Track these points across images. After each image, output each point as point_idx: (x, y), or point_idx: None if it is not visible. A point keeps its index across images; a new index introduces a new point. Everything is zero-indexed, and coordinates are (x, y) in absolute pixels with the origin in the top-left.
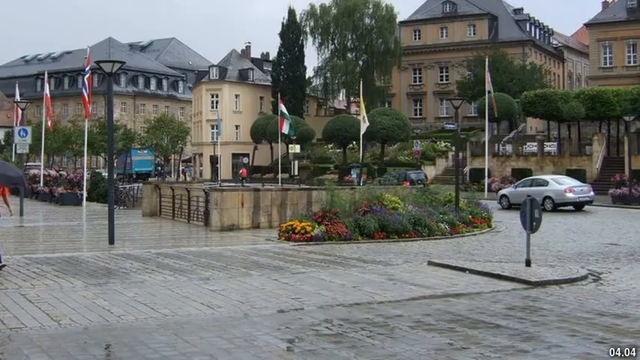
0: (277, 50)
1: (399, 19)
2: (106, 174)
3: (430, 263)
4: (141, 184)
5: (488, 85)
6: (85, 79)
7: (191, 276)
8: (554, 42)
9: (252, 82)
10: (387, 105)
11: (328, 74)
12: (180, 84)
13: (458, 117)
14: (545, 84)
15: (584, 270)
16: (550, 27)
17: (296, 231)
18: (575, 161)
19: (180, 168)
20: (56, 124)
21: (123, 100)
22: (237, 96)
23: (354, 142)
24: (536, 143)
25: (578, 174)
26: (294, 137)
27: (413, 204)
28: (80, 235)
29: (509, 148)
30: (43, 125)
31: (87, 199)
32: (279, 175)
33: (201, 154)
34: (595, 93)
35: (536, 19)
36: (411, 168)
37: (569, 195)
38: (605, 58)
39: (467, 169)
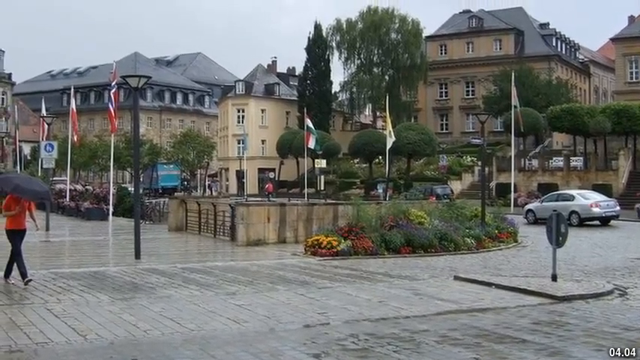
0: (303, 65)
1: (425, 33)
2: (132, 189)
3: (456, 278)
4: (167, 199)
5: (515, 100)
6: (111, 94)
7: (217, 291)
8: (580, 57)
9: (279, 96)
10: (413, 120)
11: (354, 89)
12: (207, 99)
13: (484, 132)
14: (571, 99)
15: (610, 285)
16: (576, 42)
17: (322, 246)
18: (601, 176)
19: (207, 183)
20: (82, 139)
21: (149, 115)
22: (263, 111)
23: (380, 157)
24: (562, 158)
25: (604, 189)
26: (320, 152)
27: (439, 219)
28: (106, 250)
29: (535, 162)
30: (69, 140)
31: (113, 214)
32: (305, 189)
33: (227, 169)
34: (621, 108)
35: (562, 33)
36: (437, 183)
37: (595, 210)
38: (632, 73)
39: (493, 184)
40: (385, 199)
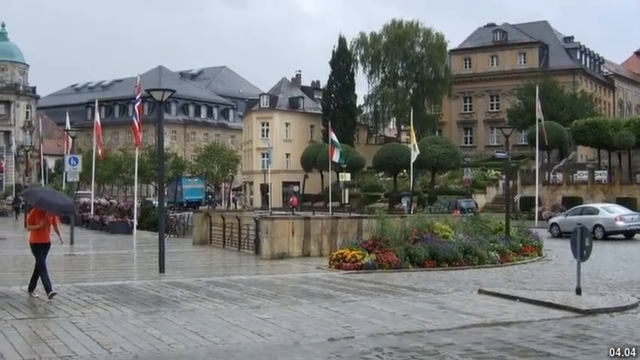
0: (328, 78)
1: (449, 47)
2: (157, 202)
3: (480, 291)
4: (191, 213)
5: (539, 114)
6: (136, 108)
7: (242, 304)
8: (605, 70)
9: (303, 110)
10: (437, 133)
11: (379, 102)
12: (231, 112)
13: (508, 145)
14: (595, 112)
15: (634, 298)
16: (600, 55)
17: (346, 259)
18: (625, 189)
19: (231, 196)
20: (107, 153)
21: (173, 129)
22: (287, 124)
23: (405, 171)
24: (586, 171)
25: (628, 202)
26: (345, 165)
27: (463, 232)
28: (130, 264)
29: (559, 176)
30: (94, 153)
31: (137, 228)
32: (330, 203)
33: (251, 183)
34: None
35: (586, 47)
36: (461, 196)
37: (620, 223)
38: None
39: (517, 198)
40: (409, 213)
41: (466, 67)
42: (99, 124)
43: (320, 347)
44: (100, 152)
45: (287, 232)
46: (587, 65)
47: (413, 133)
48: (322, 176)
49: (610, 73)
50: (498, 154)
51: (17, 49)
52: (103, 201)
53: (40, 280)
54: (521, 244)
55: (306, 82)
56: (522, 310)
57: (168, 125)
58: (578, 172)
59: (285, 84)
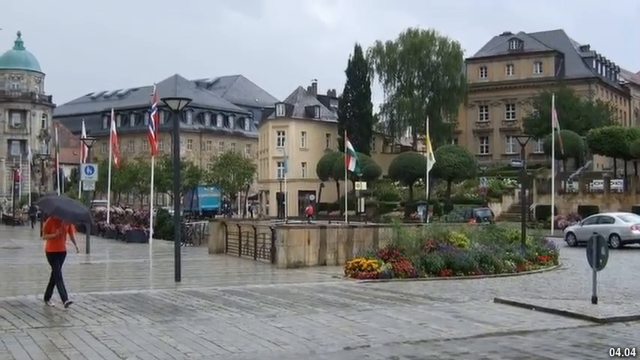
0: (344, 87)
1: (465, 56)
2: (173, 211)
3: (496, 300)
4: (207, 222)
5: (555, 123)
6: (152, 116)
7: (257, 313)
8: (621, 79)
9: (319, 119)
10: (453, 142)
11: (394, 111)
12: (247, 121)
13: (524, 154)
14: (611, 121)
15: None
16: (616, 64)
17: (362, 268)
18: None
19: (247, 205)
20: (122, 162)
21: (189, 138)
22: (303, 133)
23: (421, 180)
24: (602, 180)
25: None
26: (361, 174)
27: (479, 241)
28: (146, 273)
29: (575, 185)
30: (110, 162)
31: (153, 237)
32: (346, 212)
33: (267, 192)
34: None
35: (602, 56)
36: (477, 205)
37: (636, 232)
38: None
39: (533, 206)
40: (425, 222)
41: (482, 75)
42: (115, 132)
43: (336, 356)
44: (116, 161)
45: (303, 240)
46: (603, 74)
47: (429, 142)
48: (338, 185)
49: (626, 82)
50: (514, 162)
51: (33, 57)
52: (119, 210)
53: (56, 289)
54: (537, 253)
55: (322, 90)
56: (538, 319)
57: (184, 134)
58: (594, 180)
59: (301, 93)
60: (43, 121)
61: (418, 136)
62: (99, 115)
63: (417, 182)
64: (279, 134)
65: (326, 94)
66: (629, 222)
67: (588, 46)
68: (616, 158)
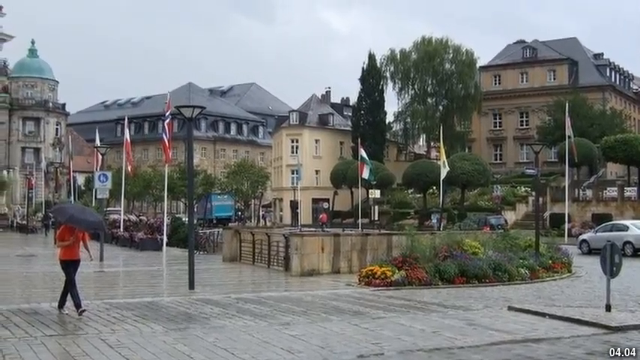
0: (357, 95)
1: (479, 64)
2: (186, 219)
3: (510, 308)
4: (221, 229)
5: (569, 130)
6: (165, 124)
7: (271, 321)
8: (634, 87)
9: (333, 127)
10: (467, 150)
11: (408, 119)
12: (261, 129)
13: (538, 162)
14: (625, 129)
15: None
16: (630, 72)
17: (376, 276)
18: None
19: (261, 213)
20: (136, 169)
21: (203, 145)
22: (317, 141)
23: (434, 187)
24: (616, 188)
25: None
26: (374, 182)
27: (493, 249)
28: (160, 280)
29: (589, 193)
30: (123, 170)
31: (167, 245)
32: (359, 220)
33: (281, 199)
34: None
35: (616, 64)
36: (491, 213)
37: None
38: None
39: (547, 214)
40: (439, 230)
41: (496, 83)
42: (128, 140)
43: None
44: (129, 169)
45: (317, 248)
46: (617, 82)
47: (442, 150)
48: (352, 193)
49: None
50: (528, 170)
51: (47, 65)
52: (133, 218)
53: (69, 297)
54: (550, 261)
55: (335, 98)
56: (552, 327)
57: (198, 142)
58: (608, 188)
59: (315, 100)
60: (56, 129)
61: (432, 143)
62: (113, 123)
63: (431, 190)
64: (292, 142)
65: (340, 101)
66: None
67: (602, 53)
68: (630, 166)
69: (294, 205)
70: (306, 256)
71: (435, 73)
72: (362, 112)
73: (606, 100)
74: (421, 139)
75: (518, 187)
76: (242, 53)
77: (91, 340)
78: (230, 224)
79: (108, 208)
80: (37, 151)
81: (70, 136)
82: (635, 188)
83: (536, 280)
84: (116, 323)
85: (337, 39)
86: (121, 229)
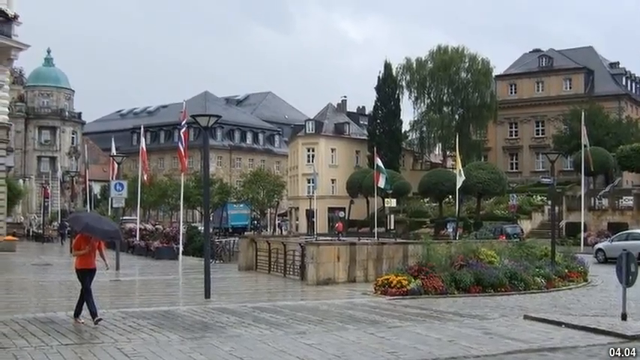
0: (373, 104)
1: (494, 73)
2: (202, 228)
3: (526, 317)
4: (237, 238)
5: (584, 139)
6: (181, 133)
7: (287, 330)
8: None
9: (348, 136)
10: (483, 159)
11: (424, 128)
12: (277, 138)
13: (554, 171)
14: None
15: None
16: None
17: (392, 285)
18: None
19: (277, 222)
20: (152, 178)
21: (219, 154)
22: (333, 150)
23: (450, 196)
24: (632, 197)
25: None
26: (390, 191)
27: (509, 258)
28: (176, 289)
29: (605, 202)
30: (139, 179)
31: (183, 253)
32: (375, 229)
33: (297, 208)
34: None
35: (632, 73)
36: (507, 222)
37: None
38: None
39: (563, 223)
40: (455, 239)
41: (512, 92)
42: (144, 149)
43: None
44: (145, 178)
45: (333, 257)
46: (633, 90)
47: (458, 159)
48: (368, 202)
49: None
50: (544, 179)
51: (63, 74)
52: (149, 226)
53: (85, 306)
54: (566, 270)
55: (351, 107)
56: (568, 336)
57: (214, 151)
58: (624, 197)
59: (331, 109)
60: (72, 137)
61: (448, 152)
62: (128, 132)
63: (447, 199)
64: (308, 151)
65: (356, 110)
66: None
67: (618, 62)
68: None
69: (310, 214)
70: (322, 265)
71: (450, 82)
72: (378, 121)
73: (622, 109)
74: (437, 148)
75: (534, 196)
76: (258, 62)
77: (107, 349)
78: (246, 233)
79: (124, 217)
80: (53, 160)
81: (86, 145)
82: None
83: (552, 289)
84: (132, 332)
85: (353, 48)
86: (137, 238)
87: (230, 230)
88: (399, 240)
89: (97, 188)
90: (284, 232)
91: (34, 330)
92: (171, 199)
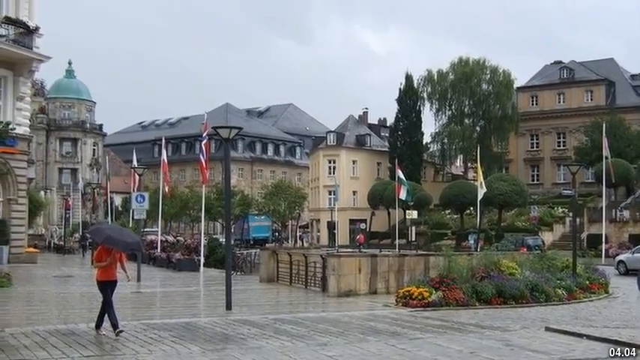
0: (394, 116)
1: (516, 84)
2: (224, 240)
3: (547, 329)
4: (258, 250)
5: (606, 151)
6: (203, 145)
7: (308, 342)
8: None
9: (370, 147)
10: (504, 171)
11: (445, 140)
12: (298, 150)
13: (575, 183)
14: None
15: None
16: None
17: (413, 297)
18: None
19: (298, 234)
20: (173, 190)
21: (240, 166)
22: (354, 162)
23: (472, 208)
24: None
25: None
26: (412, 203)
27: (530, 270)
28: (197, 301)
29: (626, 213)
30: (160, 191)
31: (204, 265)
32: (397, 240)
33: (318, 220)
34: None
35: None
36: (528, 234)
37: None
38: None
39: (584, 235)
40: (476, 250)
41: (533, 104)
42: (166, 161)
43: None
44: (166, 190)
45: (354, 269)
46: None
47: (480, 171)
48: (389, 214)
49: None
50: (565, 191)
51: (84, 86)
52: (170, 238)
53: (107, 318)
54: (587, 282)
55: (373, 119)
56: (589, 348)
57: (235, 162)
58: None
59: (352, 121)
60: (94, 149)
61: (469, 164)
62: (150, 144)
63: (468, 211)
64: (330, 163)
65: (377, 122)
66: None
67: (639, 74)
68: None
69: (331, 226)
70: (344, 277)
71: (472, 93)
72: (399, 132)
73: None
74: (458, 160)
75: (556, 208)
76: (279, 74)
77: None
78: (267, 245)
79: (145, 229)
80: (74, 171)
81: (107, 157)
82: None
83: (573, 300)
84: (153, 344)
85: (374, 60)
86: (159, 250)
87: (251, 242)
88: (420, 252)
89: (118, 200)
90: (305, 244)
91: (55, 342)
92: (192, 211)
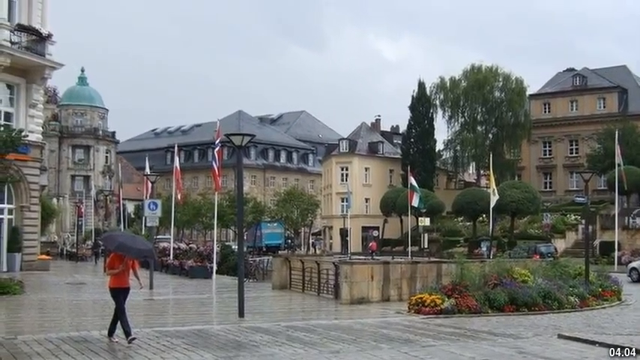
0: (407, 123)
1: (528, 92)
2: (236, 247)
3: (560, 336)
4: (271, 257)
5: (618, 158)
6: (215, 152)
7: (321, 349)
8: None
9: (382, 155)
10: (516, 178)
11: (458, 147)
12: (310, 157)
13: (588, 190)
14: None
15: None
16: None
17: (426, 304)
18: None
19: (310, 241)
20: (186, 197)
21: (253, 173)
22: (367, 169)
23: (484, 215)
24: None
25: None
26: (424, 210)
27: (543, 277)
28: (210, 308)
29: (639, 221)
30: (173, 198)
31: (217, 272)
32: (409, 247)
33: (331, 227)
34: None
35: None
36: (540, 241)
37: None
38: None
39: (597, 242)
40: (489, 258)
41: (545, 111)
42: (178, 168)
43: None
44: (179, 197)
45: (366, 276)
46: None
47: (492, 178)
48: (401, 221)
49: None
50: (578, 198)
51: (97, 93)
52: (183, 245)
53: (119, 325)
54: (600, 289)
55: (385, 126)
56: (602, 355)
57: (248, 170)
58: None
59: (365, 129)
60: (106, 156)
61: (482, 171)
62: (162, 151)
63: (481, 218)
64: (342, 170)
65: (389, 129)
66: None
67: None
68: None
69: (343, 233)
70: (356, 284)
71: (484, 101)
72: (412, 140)
73: None
74: (471, 167)
75: (568, 215)
76: (292, 81)
77: None
78: (280, 252)
79: (158, 236)
80: (86, 178)
81: (119, 164)
82: None
83: (585, 308)
84: (166, 351)
85: (387, 67)
86: (171, 257)
87: (264, 249)
88: (432, 259)
89: (130, 207)
90: (318, 251)
91: (67, 349)
92: (205, 218)
